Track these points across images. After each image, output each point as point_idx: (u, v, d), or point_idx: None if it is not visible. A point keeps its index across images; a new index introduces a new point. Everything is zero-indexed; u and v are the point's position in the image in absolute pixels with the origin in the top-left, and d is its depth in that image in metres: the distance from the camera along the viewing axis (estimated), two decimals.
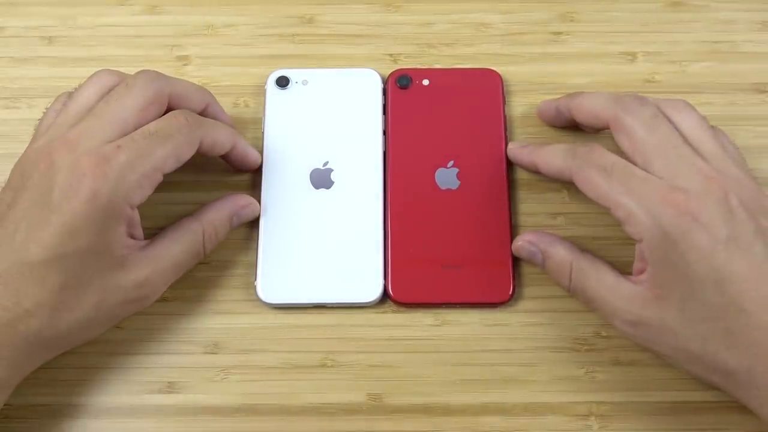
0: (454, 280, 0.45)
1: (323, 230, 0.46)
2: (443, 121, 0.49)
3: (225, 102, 0.49)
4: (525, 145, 0.47)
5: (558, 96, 0.48)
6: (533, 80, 0.51)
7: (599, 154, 0.41)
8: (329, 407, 0.44)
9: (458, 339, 0.45)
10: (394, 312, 0.45)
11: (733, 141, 0.44)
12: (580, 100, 0.45)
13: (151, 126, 0.41)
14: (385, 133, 0.49)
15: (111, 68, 0.44)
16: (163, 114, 0.42)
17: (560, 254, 0.43)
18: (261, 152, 0.48)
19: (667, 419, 0.43)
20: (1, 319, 0.38)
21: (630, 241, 0.40)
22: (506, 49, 0.52)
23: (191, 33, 0.53)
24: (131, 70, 0.43)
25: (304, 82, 0.50)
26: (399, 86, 0.50)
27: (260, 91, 0.50)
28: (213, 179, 0.48)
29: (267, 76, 0.50)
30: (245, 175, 0.48)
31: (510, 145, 0.48)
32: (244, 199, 0.46)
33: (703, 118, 0.43)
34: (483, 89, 0.50)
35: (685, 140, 0.41)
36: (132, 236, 0.41)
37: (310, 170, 0.48)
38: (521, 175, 0.48)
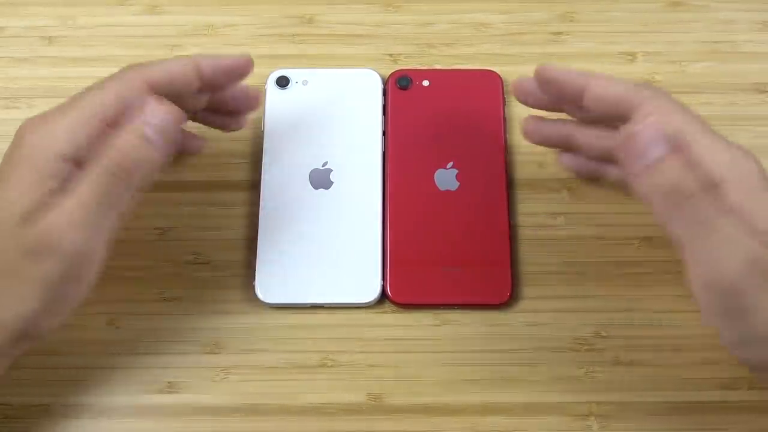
0: (453, 281, 0.45)
1: (322, 230, 0.46)
2: (443, 122, 0.49)
3: None
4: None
5: None
6: None
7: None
8: (329, 407, 0.44)
9: (458, 339, 0.45)
10: (394, 312, 0.45)
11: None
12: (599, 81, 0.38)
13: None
14: (384, 133, 0.49)
15: (111, 69, 0.44)
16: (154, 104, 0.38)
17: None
18: (261, 152, 0.48)
19: (667, 419, 0.43)
20: None
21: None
22: (506, 49, 0.52)
23: (191, 33, 0.53)
24: None
25: (304, 82, 0.50)
26: (399, 87, 0.50)
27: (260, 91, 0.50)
28: (213, 179, 0.48)
29: (267, 76, 0.50)
30: (245, 174, 0.48)
31: (544, 66, 0.40)
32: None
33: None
34: (483, 90, 0.50)
35: None
36: None
37: (310, 170, 0.48)
38: (521, 175, 0.48)
